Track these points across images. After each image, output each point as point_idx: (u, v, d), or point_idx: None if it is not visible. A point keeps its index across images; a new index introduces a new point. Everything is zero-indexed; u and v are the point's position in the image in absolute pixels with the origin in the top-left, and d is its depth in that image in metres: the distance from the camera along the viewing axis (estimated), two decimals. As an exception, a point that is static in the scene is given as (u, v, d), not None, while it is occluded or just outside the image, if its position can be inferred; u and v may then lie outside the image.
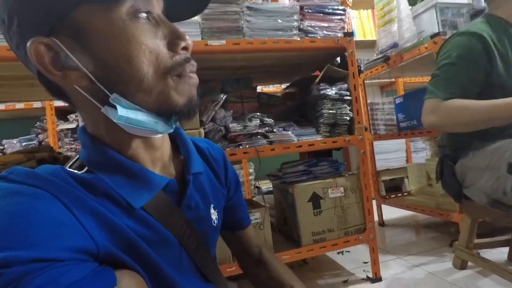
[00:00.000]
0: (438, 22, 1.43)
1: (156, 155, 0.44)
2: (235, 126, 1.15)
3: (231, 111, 1.19)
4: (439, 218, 1.62)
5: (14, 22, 0.35)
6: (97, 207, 0.35)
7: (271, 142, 1.19)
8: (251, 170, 2.32)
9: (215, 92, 1.22)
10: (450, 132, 1.01)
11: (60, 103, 2.08)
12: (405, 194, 2.16)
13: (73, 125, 2.16)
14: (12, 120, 2.48)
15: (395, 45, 1.58)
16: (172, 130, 0.43)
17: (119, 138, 0.40)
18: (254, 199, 1.63)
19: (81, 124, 0.49)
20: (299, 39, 1.20)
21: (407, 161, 2.70)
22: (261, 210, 1.18)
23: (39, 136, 2.24)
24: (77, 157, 0.41)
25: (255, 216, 1.16)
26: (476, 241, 1.27)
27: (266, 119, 1.21)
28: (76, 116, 2.15)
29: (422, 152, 2.67)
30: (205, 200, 0.50)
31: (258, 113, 1.22)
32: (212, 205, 0.51)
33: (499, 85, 0.96)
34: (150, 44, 0.37)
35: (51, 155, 1.15)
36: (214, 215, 0.51)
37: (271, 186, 1.77)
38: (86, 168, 0.39)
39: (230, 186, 0.60)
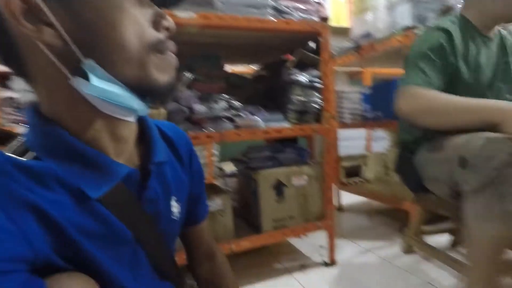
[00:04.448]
0: (411, 16, 1.44)
1: (122, 148, 0.40)
2: (200, 108, 1.08)
3: (197, 91, 1.11)
4: (391, 205, 1.72)
5: None
6: (39, 202, 0.31)
7: (237, 127, 1.14)
8: (215, 152, 2.27)
9: (180, 70, 1.13)
10: (421, 124, 0.94)
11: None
12: (363, 180, 2.25)
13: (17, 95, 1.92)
14: None
15: (368, 35, 1.57)
16: (147, 112, 0.41)
17: (81, 118, 0.36)
18: (216, 182, 1.60)
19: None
20: (273, 18, 1.13)
21: (367, 148, 2.80)
22: (223, 196, 1.14)
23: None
24: (21, 140, 0.36)
25: (216, 202, 1.13)
26: (423, 228, 1.37)
27: (234, 102, 1.15)
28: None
29: (381, 141, 2.78)
30: (167, 192, 0.46)
31: (225, 95, 1.15)
32: (174, 197, 0.48)
33: (462, 85, 0.97)
34: (137, 15, 0.36)
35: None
36: (176, 208, 0.48)
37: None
38: (33, 154, 0.34)
39: (194, 177, 0.56)
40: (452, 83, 0.97)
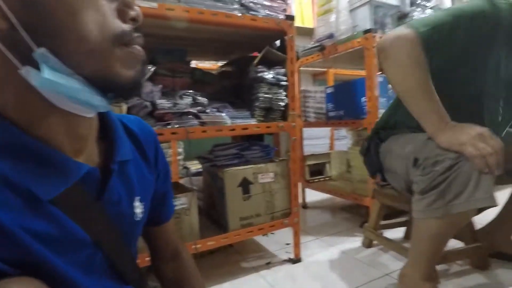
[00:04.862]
0: (371, 19, 1.50)
1: (80, 145, 0.37)
2: (163, 103, 1.03)
3: (160, 85, 1.06)
4: (353, 201, 1.79)
5: None
6: None
7: (203, 123, 1.11)
8: (180, 150, 2.20)
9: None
10: (385, 68, 0.86)
11: None
12: (326, 178, 2.32)
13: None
14: None
15: (331, 36, 1.62)
16: (109, 108, 0.37)
17: (32, 112, 0.32)
18: (181, 181, 1.55)
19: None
20: (240, 14, 1.12)
21: (330, 147, 2.90)
22: (188, 194, 1.11)
23: None
24: None
25: (181, 201, 1.09)
26: (381, 222, 1.44)
27: (199, 98, 1.12)
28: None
29: (344, 140, 2.90)
30: (130, 192, 0.44)
31: (190, 91, 1.12)
32: (137, 198, 0.45)
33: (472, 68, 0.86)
34: (101, 3, 0.32)
35: None
36: (139, 208, 0.45)
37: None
38: None
39: (160, 174, 0.53)
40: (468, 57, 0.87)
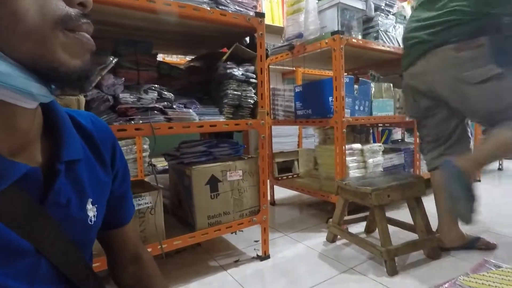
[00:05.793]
0: (338, 21, 1.54)
1: (19, 142, 0.33)
2: (127, 97, 0.98)
3: (123, 78, 1.01)
4: (320, 198, 1.83)
5: None
6: None
7: (169, 119, 1.07)
8: (145, 146, 2.12)
9: (104, 53, 1.01)
10: None
11: None
12: (295, 176, 2.36)
13: None
14: None
15: (300, 35, 1.64)
16: (51, 98, 0.34)
17: None
18: (146, 179, 1.49)
19: None
20: (209, 8, 1.09)
21: (298, 145, 2.95)
22: (153, 193, 1.07)
23: None
24: None
25: (146, 200, 1.05)
26: (345, 218, 1.49)
27: (166, 92, 1.08)
28: None
29: (311, 138, 2.97)
30: (81, 194, 0.40)
31: (156, 85, 1.07)
32: (90, 200, 0.42)
33: None
34: None
35: None
36: (91, 211, 0.42)
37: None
38: None
39: (117, 175, 0.50)
40: None
